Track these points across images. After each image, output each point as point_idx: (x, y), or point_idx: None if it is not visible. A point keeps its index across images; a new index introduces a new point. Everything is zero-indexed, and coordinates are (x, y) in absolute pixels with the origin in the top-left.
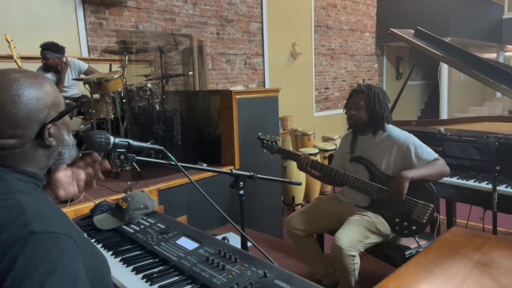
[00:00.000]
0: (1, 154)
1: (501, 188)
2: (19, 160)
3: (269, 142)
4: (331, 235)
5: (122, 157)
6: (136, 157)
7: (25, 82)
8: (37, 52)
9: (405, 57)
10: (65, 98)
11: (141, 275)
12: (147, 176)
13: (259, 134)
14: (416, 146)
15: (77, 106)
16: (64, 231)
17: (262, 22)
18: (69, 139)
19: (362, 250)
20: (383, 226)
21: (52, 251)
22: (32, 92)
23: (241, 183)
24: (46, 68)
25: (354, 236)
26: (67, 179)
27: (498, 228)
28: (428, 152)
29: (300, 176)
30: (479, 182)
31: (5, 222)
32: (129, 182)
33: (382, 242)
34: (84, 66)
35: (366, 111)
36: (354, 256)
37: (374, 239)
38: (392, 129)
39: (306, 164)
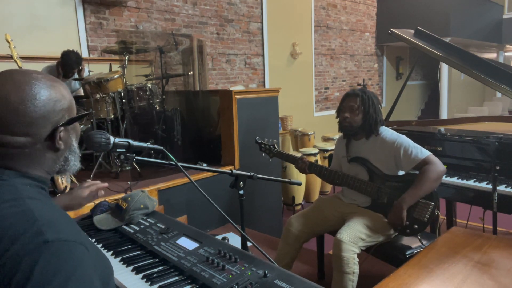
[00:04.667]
0: (10, 153)
1: (501, 188)
2: (27, 162)
3: (267, 146)
4: (332, 235)
5: (122, 157)
6: (136, 157)
7: (45, 84)
8: (37, 52)
9: (405, 57)
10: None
11: (141, 275)
12: (147, 176)
13: (257, 138)
14: (405, 146)
15: (90, 113)
16: (76, 238)
17: (262, 22)
18: (76, 146)
19: (364, 248)
20: (385, 225)
21: (67, 260)
22: (52, 93)
23: (241, 183)
24: (65, 75)
25: (356, 233)
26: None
27: (498, 228)
28: (417, 152)
29: (300, 176)
30: (479, 182)
31: (17, 230)
32: (129, 182)
33: (384, 241)
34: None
35: (360, 114)
36: (354, 252)
37: (376, 238)
38: (383, 131)
39: (304, 167)
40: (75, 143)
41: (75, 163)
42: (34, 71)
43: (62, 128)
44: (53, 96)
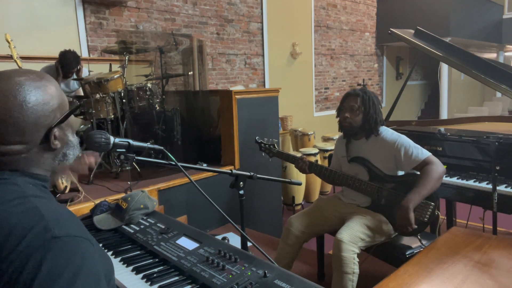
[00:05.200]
0: (8, 160)
1: (501, 188)
2: (26, 165)
3: (267, 145)
4: (332, 235)
5: (122, 157)
6: (136, 157)
7: (31, 86)
8: (37, 52)
9: (405, 57)
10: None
11: (141, 275)
12: (147, 176)
13: (257, 137)
14: (405, 147)
15: (80, 105)
16: (82, 234)
17: (262, 22)
18: (73, 139)
19: (364, 248)
20: (385, 225)
21: (75, 255)
22: (39, 97)
23: (241, 183)
24: (64, 75)
25: (356, 233)
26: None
27: (498, 228)
28: (418, 153)
29: (300, 176)
30: (479, 182)
31: (25, 227)
32: (129, 182)
33: (384, 241)
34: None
35: (360, 114)
36: (354, 252)
37: (376, 238)
38: (384, 131)
39: (304, 167)
40: (71, 137)
41: (74, 154)
42: (17, 73)
43: (55, 128)
44: (40, 100)
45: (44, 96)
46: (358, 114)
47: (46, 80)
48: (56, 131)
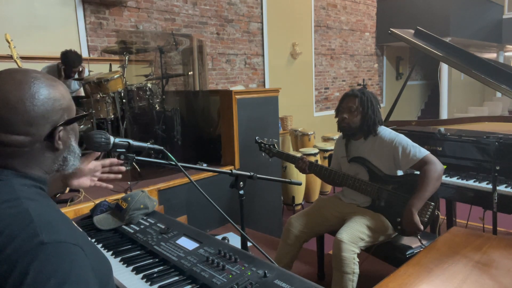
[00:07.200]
0: (9, 152)
1: (501, 188)
2: (25, 161)
3: (266, 145)
4: (332, 235)
5: (122, 157)
6: (136, 157)
7: (45, 82)
8: (37, 52)
9: (405, 57)
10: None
11: (141, 275)
12: (147, 176)
13: (256, 137)
14: (403, 145)
15: (89, 114)
16: (72, 239)
17: (262, 22)
18: (75, 146)
19: (364, 248)
20: (385, 225)
21: (63, 262)
22: (51, 92)
23: (241, 183)
24: (67, 76)
25: (356, 233)
26: (88, 171)
27: (498, 228)
28: (415, 151)
29: (300, 176)
30: (479, 182)
31: (13, 231)
32: (129, 182)
33: (384, 241)
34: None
35: (358, 115)
36: (354, 252)
37: (376, 238)
38: (382, 130)
39: (304, 167)
40: (74, 143)
41: (74, 162)
42: (33, 70)
43: (61, 128)
44: (52, 95)
45: (55, 93)
46: (356, 115)
47: (59, 82)
48: (61, 130)
